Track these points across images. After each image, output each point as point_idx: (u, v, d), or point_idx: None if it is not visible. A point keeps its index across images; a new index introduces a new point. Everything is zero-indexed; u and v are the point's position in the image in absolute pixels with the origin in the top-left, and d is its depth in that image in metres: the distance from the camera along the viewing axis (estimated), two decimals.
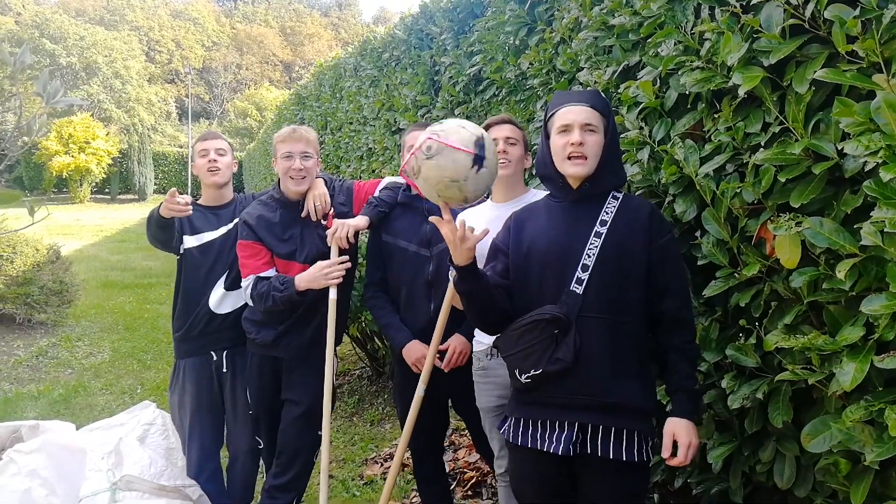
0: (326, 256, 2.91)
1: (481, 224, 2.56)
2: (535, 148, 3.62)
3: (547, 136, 2.12)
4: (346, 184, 3.14)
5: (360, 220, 2.90)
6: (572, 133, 2.00)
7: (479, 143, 2.01)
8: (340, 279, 2.84)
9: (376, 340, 5.30)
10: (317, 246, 2.94)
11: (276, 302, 2.83)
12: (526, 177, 3.21)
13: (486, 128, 2.68)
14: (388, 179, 3.12)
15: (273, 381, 3.05)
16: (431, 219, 1.97)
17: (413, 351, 2.77)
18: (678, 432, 1.98)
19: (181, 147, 33.22)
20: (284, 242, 2.94)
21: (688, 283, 2.17)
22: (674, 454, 2.00)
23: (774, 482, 2.26)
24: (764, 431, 2.28)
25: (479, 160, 1.99)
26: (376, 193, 3.01)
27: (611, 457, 1.95)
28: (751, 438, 2.35)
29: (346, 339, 5.88)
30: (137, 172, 27.30)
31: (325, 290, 2.88)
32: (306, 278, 2.83)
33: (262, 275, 2.91)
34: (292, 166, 2.88)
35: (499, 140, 2.62)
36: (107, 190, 27.11)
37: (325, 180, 3.06)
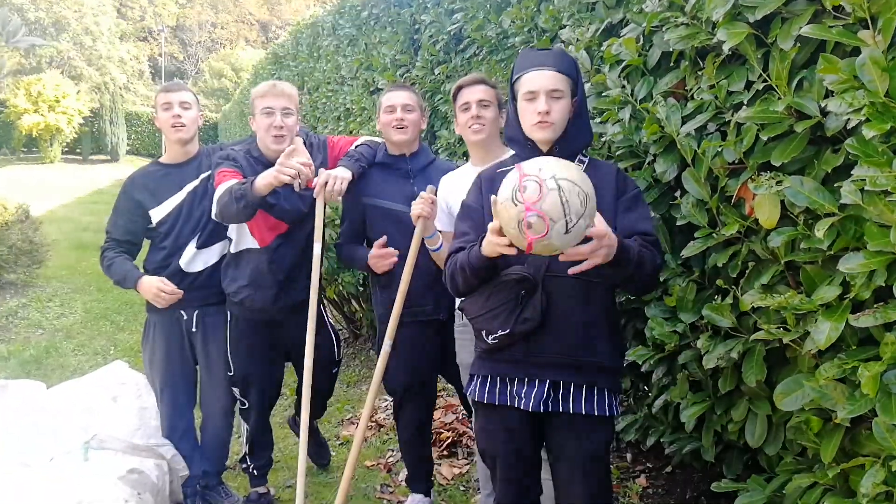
0: (305, 216, 2.88)
1: (462, 186, 2.54)
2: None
3: (514, 98, 2.09)
4: (321, 139, 3.07)
5: (345, 172, 2.81)
6: (538, 100, 1.99)
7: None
8: (292, 177, 2.64)
9: (353, 303, 5.28)
10: (296, 205, 2.90)
11: (230, 194, 2.65)
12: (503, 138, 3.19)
13: (458, 89, 2.62)
14: (364, 138, 3.07)
15: (265, 340, 3.03)
16: (494, 198, 1.79)
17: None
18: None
19: (154, 107, 32.51)
20: (271, 199, 2.83)
21: (657, 233, 2.15)
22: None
23: (745, 441, 2.30)
24: (736, 391, 2.31)
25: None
26: (352, 149, 2.95)
27: (582, 412, 1.96)
28: (723, 398, 2.38)
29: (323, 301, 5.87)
30: (109, 132, 26.70)
31: (301, 257, 2.91)
32: (262, 176, 2.65)
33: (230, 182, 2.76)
34: (273, 123, 2.77)
35: (471, 103, 2.57)
36: (78, 150, 26.52)
37: (302, 137, 2.98)
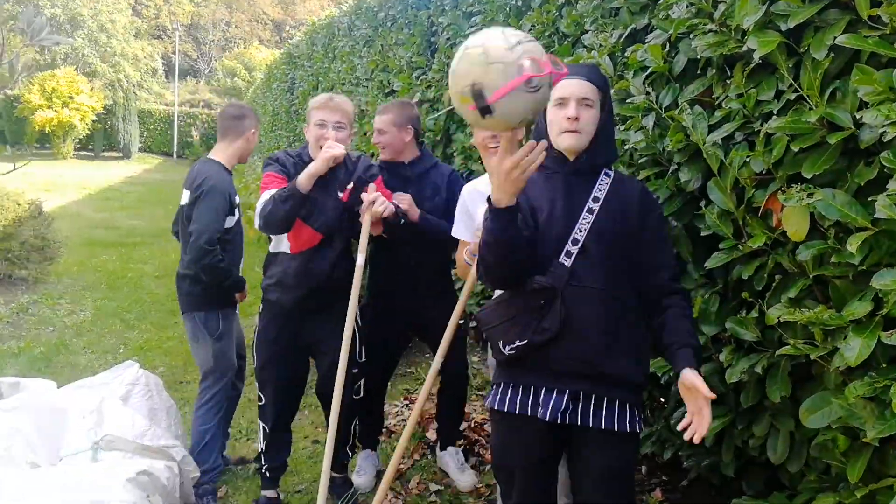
0: (339, 227, 2.95)
1: (485, 194, 2.51)
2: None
3: None
4: (365, 160, 3.13)
5: (390, 204, 2.90)
6: (568, 107, 1.95)
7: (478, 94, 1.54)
8: (336, 158, 2.82)
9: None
10: (331, 215, 2.94)
11: (274, 201, 2.77)
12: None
13: None
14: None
15: (288, 335, 3.04)
16: (474, 141, 1.76)
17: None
18: (697, 382, 1.83)
19: (167, 105, 32.65)
20: (307, 206, 2.87)
21: (676, 258, 2.15)
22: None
23: (766, 457, 2.25)
24: (758, 406, 2.26)
25: (484, 112, 1.55)
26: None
27: (602, 427, 1.92)
28: (745, 413, 2.34)
29: None
30: (122, 130, 26.79)
31: (332, 267, 2.96)
32: (305, 171, 2.79)
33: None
34: (324, 135, 2.86)
35: None
36: (90, 147, 26.61)
37: (346, 159, 3.00)
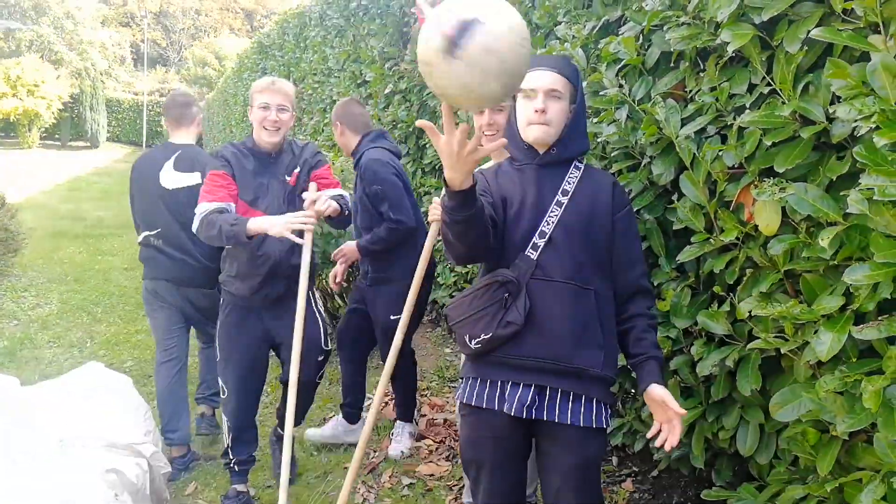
0: (287, 211, 2.88)
1: None
2: None
3: (513, 98, 2.04)
4: (312, 148, 3.14)
5: (334, 204, 2.88)
6: (536, 99, 1.94)
7: (464, 27, 1.36)
8: (301, 232, 2.77)
9: (336, 299, 5.20)
10: (279, 201, 2.94)
11: (220, 232, 2.76)
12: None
13: None
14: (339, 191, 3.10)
15: (248, 327, 3.04)
16: (419, 123, 1.62)
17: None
18: (667, 398, 1.90)
19: (136, 94, 32.10)
20: (251, 189, 2.93)
21: (644, 255, 2.13)
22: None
23: (736, 448, 2.27)
24: (728, 398, 2.28)
25: (452, 46, 1.36)
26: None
27: (569, 422, 1.91)
28: (715, 405, 2.35)
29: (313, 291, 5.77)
30: (90, 119, 26.29)
31: (287, 252, 2.93)
32: (259, 222, 2.76)
33: (221, 205, 2.86)
34: (268, 117, 2.91)
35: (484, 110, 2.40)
36: (57, 136, 26.09)
37: (292, 145, 3.08)
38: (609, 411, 1.99)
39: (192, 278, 3.46)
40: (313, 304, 3.15)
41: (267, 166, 2.97)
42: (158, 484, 2.94)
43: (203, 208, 2.86)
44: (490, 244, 1.88)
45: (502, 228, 1.98)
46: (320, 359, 3.13)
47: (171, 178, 3.42)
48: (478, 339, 1.94)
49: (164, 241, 3.42)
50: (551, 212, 1.94)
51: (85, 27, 31.49)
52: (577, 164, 2.03)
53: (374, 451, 3.64)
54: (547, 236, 1.92)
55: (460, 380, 2.13)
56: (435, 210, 2.49)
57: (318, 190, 2.93)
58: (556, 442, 1.96)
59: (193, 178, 3.41)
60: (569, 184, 1.98)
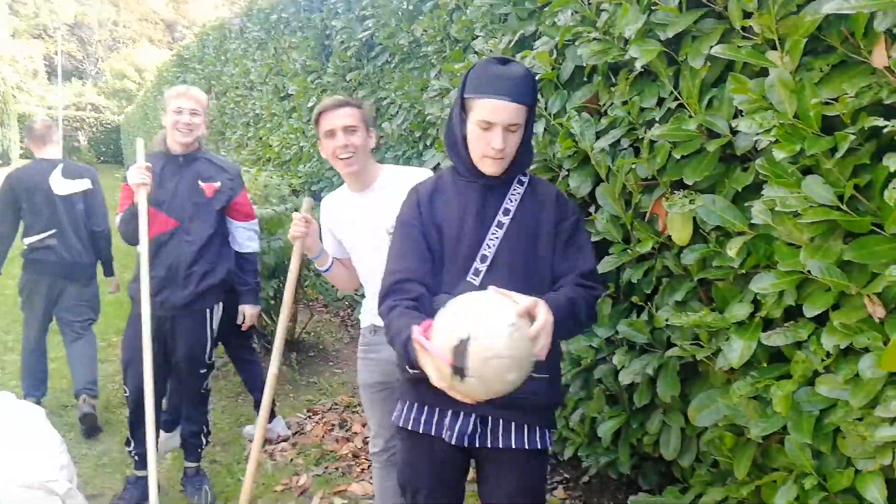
0: (195, 216, 3.06)
1: (349, 212, 2.46)
2: (425, 116, 3.54)
3: (462, 107, 1.85)
4: (236, 169, 3.31)
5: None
6: (493, 134, 1.76)
7: (459, 352, 1.46)
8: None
9: (263, 316, 5.08)
10: (185, 203, 3.07)
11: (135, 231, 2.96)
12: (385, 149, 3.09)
13: (319, 114, 2.41)
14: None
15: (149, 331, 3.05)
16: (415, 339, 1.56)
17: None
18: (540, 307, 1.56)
19: (50, 108, 30.85)
20: (159, 191, 3.02)
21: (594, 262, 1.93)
22: None
23: (660, 453, 2.31)
24: (651, 404, 2.32)
25: (459, 373, 1.47)
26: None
27: (513, 446, 1.87)
28: (638, 412, 2.39)
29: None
30: (0, 135, 25.17)
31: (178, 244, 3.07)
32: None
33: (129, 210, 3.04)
34: (181, 120, 3.04)
35: (336, 131, 2.34)
36: None
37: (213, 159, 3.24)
38: (552, 432, 1.92)
39: (73, 273, 4.08)
40: (210, 319, 3.21)
41: (177, 169, 3.08)
42: None
43: (119, 217, 3.08)
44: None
45: (439, 254, 1.86)
46: (202, 371, 3.24)
47: (63, 185, 4.04)
48: (415, 367, 1.75)
49: (58, 241, 3.99)
50: (492, 234, 1.82)
51: None
52: (521, 178, 1.90)
53: (305, 473, 3.57)
54: (488, 260, 1.81)
55: (397, 402, 2.06)
56: (296, 227, 2.45)
57: (236, 220, 3.21)
58: (499, 465, 1.90)
59: (84, 184, 4.09)
60: (510, 202, 1.86)
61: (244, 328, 3.53)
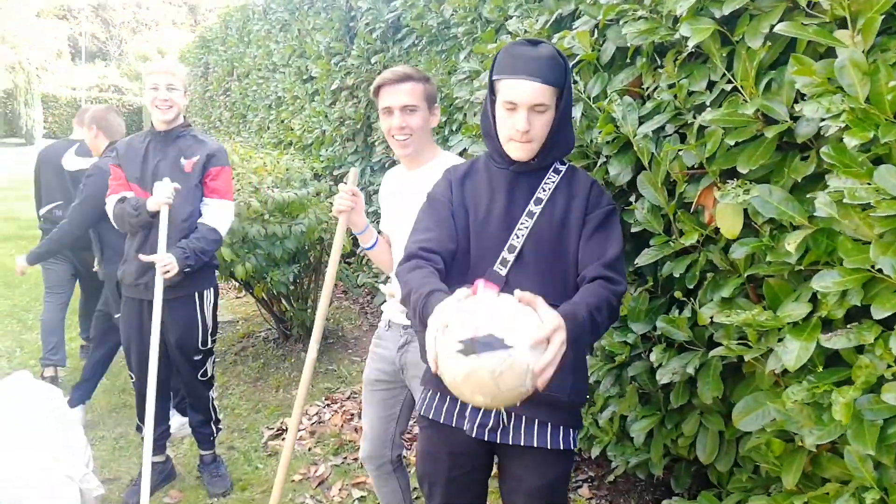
0: (180, 194, 2.98)
1: (397, 184, 2.39)
2: (453, 99, 3.42)
3: (492, 91, 1.80)
4: (215, 146, 3.15)
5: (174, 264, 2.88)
6: (517, 115, 1.71)
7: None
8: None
9: (283, 302, 5.02)
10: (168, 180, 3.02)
11: (131, 225, 2.99)
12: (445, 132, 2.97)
13: (379, 87, 2.27)
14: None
15: (141, 316, 3.10)
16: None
17: None
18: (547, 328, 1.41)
19: (74, 89, 31.01)
20: (138, 169, 3.02)
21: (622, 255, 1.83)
22: None
23: (695, 455, 2.20)
24: (687, 405, 2.21)
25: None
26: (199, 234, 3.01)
27: (535, 445, 1.79)
28: (674, 412, 2.29)
29: (250, 299, 5.57)
30: (24, 114, 25.33)
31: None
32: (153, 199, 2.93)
33: (121, 195, 3.04)
34: (158, 96, 3.00)
35: (394, 109, 2.21)
36: None
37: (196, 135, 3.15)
38: (576, 433, 1.85)
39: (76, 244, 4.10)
40: (202, 305, 3.15)
41: (160, 145, 3.04)
42: None
43: (109, 202, 3.07)
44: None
45: (465, 239, 1.81)
46: (196, 358, 3.19)
47: (73, 161, 4.46)
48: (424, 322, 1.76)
49: (62, 212, 4.30)
50: (522, 223, 1.76)
51: (18, 20, 30.27)
52: (558, 166, 1.84)
53: (323, 462, 3.50)
54: (517, 250, 1.75)
55: (420, 388, 2.00)
56: (341, 200, 2.34)
57: (205, 196, 3.06)
58: (520, 463, 1.84)
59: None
60: (543, 191, 1.79)
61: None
